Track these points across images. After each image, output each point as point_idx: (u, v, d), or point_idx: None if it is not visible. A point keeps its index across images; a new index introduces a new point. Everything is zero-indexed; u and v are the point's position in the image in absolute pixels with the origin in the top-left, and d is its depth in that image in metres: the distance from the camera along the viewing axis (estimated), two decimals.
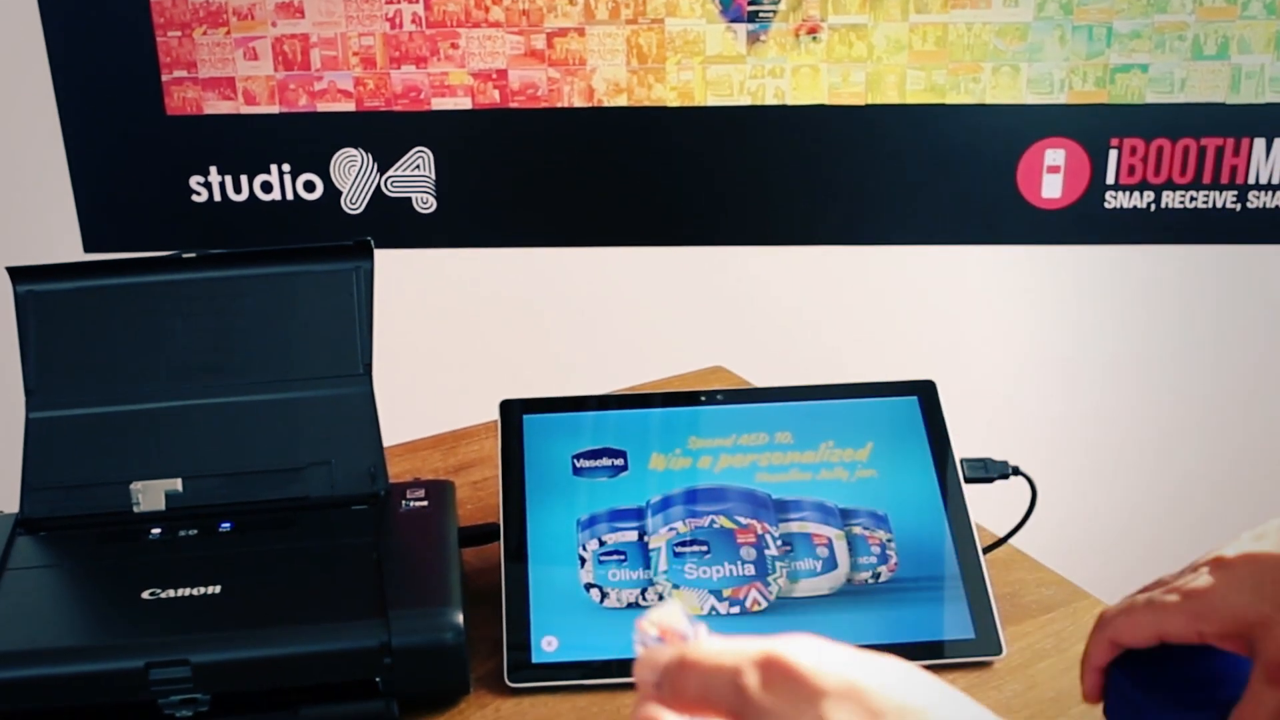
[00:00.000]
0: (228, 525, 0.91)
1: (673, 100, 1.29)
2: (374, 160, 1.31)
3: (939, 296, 1.75)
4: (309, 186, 1.33)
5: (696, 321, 1.58)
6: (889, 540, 0.95)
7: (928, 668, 0.49)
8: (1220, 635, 0.60)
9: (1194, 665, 0.64)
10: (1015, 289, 1.79)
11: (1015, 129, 1.29)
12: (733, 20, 1.27)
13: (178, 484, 0.93)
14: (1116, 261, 1.75)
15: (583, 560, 0.92)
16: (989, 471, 1.01)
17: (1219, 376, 1.79)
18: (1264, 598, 0.59)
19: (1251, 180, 1.29)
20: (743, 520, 0.95)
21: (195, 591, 0.85)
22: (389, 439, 1.03)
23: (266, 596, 0.86)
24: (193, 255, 0.98)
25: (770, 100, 1.29)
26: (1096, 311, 1.80)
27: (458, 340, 1.49)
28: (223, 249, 0.98)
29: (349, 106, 1.30)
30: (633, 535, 0.94)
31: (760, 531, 0.94)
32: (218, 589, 0.85)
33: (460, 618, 0.84)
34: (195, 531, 0.91)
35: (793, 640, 0.47)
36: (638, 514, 0.95)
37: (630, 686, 0.89)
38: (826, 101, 1.29)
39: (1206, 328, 1.78)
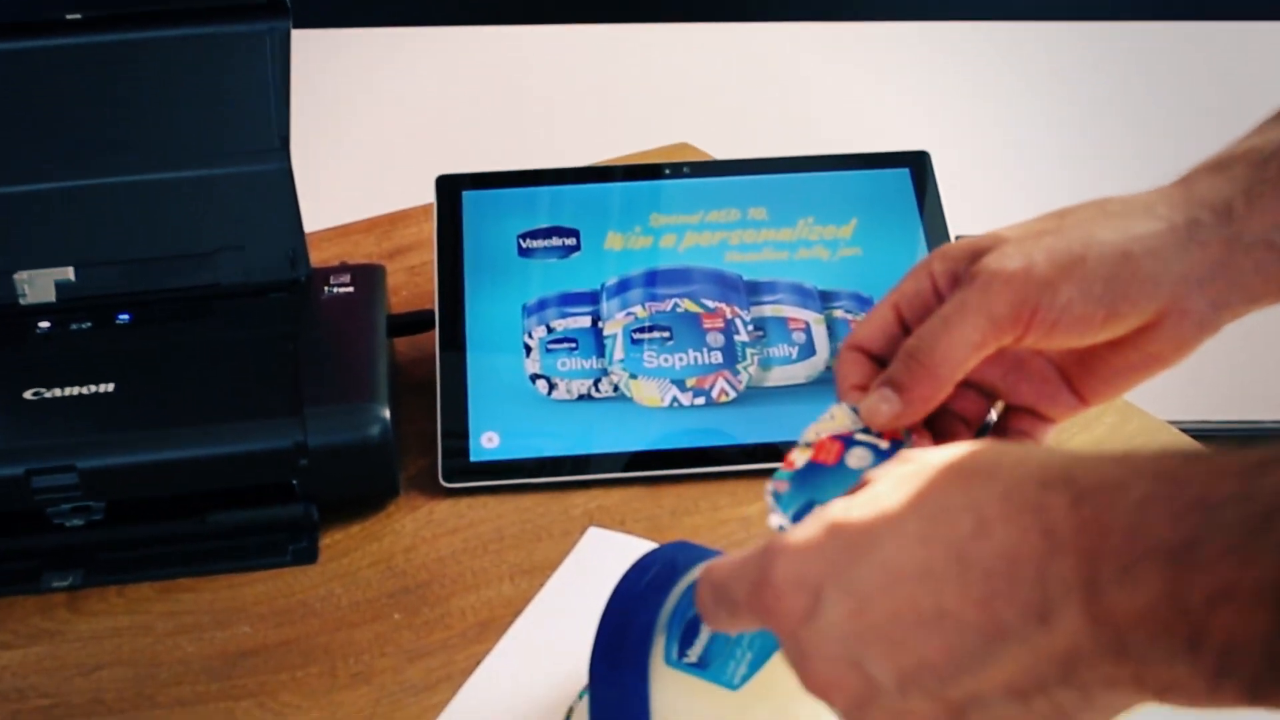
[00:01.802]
0: (126, 317, 0.81)
1: None
2: None
3: (927, 73, 1.63)
4: None
5: (659, 99, 1.45)
6: None
7: None
8: (945, 269, 0.54)
9: None
10: (1010, 66, 1.66)
11: None
12: None
13: (69, 272, 0.83)
14: (1115, 36, 1.62)
15: (528, 349, 0.82)
16: None
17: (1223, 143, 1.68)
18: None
19: None
20: (710, 304, 0.84)
21: (85, 390, 0.75)
22: (317, 223, 0.92)
23: (166, 395, 0.76)
24: (79, 16, 0.85)
25: None
26: (1099, 87, 1.68)
27: (397, 120, 1.36)
28: (114, 8, 0.85)
29: None
30: (585, 321, 0.84)
31: (729, 316, 0.84)
32: (111, 387, 0.75)
33: (386, 413, 0.74)
34: (89, 325, 0.80)
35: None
36: (591, 298, 0.84)
37: (582, 485, 0.81)
38: None
39: (1210, 102, 1.65)
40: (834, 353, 0.84)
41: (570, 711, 0.63)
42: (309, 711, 0.64)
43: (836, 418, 0.55)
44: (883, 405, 0.53)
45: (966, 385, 0.55)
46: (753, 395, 0.82)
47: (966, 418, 0.58)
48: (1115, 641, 0.36)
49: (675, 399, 0.81)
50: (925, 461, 0.43)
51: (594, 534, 0.74)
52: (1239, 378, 1.58)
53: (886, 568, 0.41)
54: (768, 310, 0.85)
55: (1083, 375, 0.56)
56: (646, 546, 0.72)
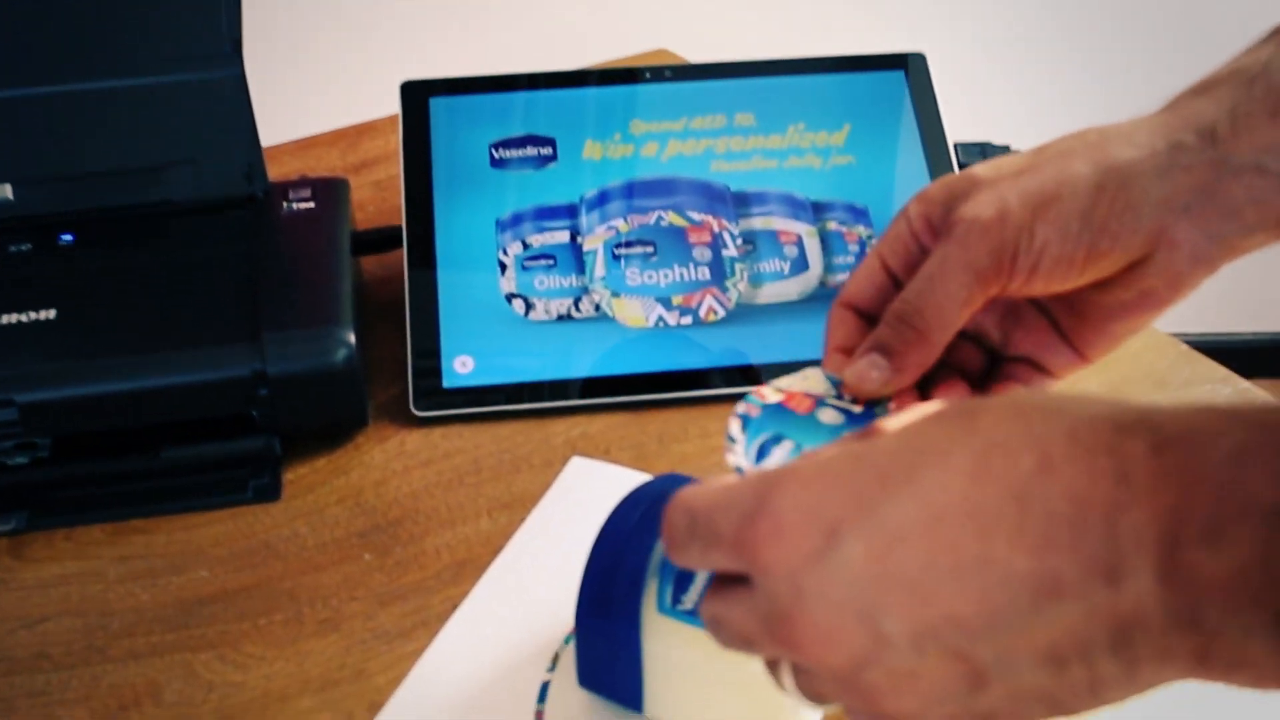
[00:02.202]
0: (69, 238, 0.75)
1: None
2: None
3: None
4: None
5: (635, 2, 1.37)
6: (869, 237, 0.80)
7: None
8: (921, 215, 0.51)
9: None
10: None
11: None
12: None
13: (7, 190, 0.76)
14: None
15: (503, 266, 0.77)
16: (986, 156, 0.86)
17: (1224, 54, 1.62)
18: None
19: None
20: (695, 216, 0.79)
21: (25, 318, 0.69)
22: (276, 135, 0.87)
23: (113, 321, 0.70)
24: None
25: None
26: None
27: (362, 24, 1.29)
28: None
29: None
30: (563, 236, 0.78)
31: (716, 229, 0.79)
32: (53, 314, 0.69)
33: (351, 336, 0.69)
34: (28, 246, 0.74)
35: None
36: (569, 211, 0.79)
37: (563, 411, 0.76)
38: None
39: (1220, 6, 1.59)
40: (828, 267, 0.79)
41: (556, 657, 0.59)
42: (273, 662, 0.59)
43: (810, 379, 0.51)
44: (873, 372, 0.49)
45: (961, 335, 0.52)
46: (743, 313, 0.77)
47: (963, 368, 0.53)
48: (1189, 609, 0.32)
49: (660, 318, 0.76)
50: (963, 403, 0.38)
51: (577, 464, 0.69)
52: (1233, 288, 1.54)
53: (927, 504, 0.35)
54: (757, 223, 0.80)
55: (1076, 324, 0.52)
56: (633, 476, 0.68)
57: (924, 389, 0.52)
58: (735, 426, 0.48)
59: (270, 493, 0.69)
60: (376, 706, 0.57)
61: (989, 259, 0.47)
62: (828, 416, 0.49)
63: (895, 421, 0.39)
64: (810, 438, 0.48)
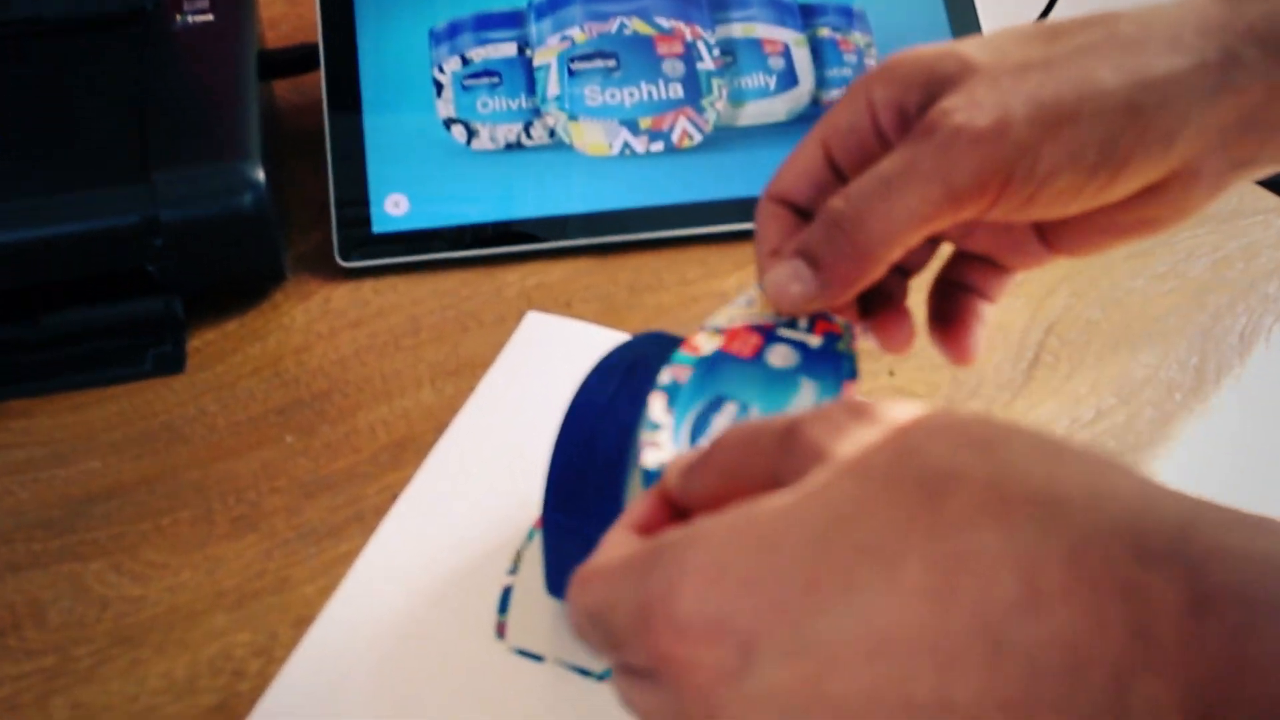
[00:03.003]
0: None
1: None
2: None
3: None
4: None
5: None
6: (868, 45, 0.69)
7: None
8: (890, 100, 0.39)
9: None
10: None
11: None
12: None
13: None
14: None
15: (440, 87, 0.65)
16: None
17: None
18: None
19: None
20: (665, 23, 0.67)
21: None
22: None
23: None
24: None
25: None
26: None
27: None
28: None
29: None
30: (510, 49, 0.66)
31: (689, 37, 0.67)
32: None
33: (260, 174, 0.58)
34: None
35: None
36: (516, 19, 0.67)
37: (516, 258, 0.66)
38: None
39: None
40: (820, 81, 0.68)
41: (518, 557, 0.49)
42: (179, 571, 0.50)
43: (756, 304, 0.40)
44: (794, 285, 0.39)
45: None
46: (723, 137, 0.66)
47: (904, 266, 0.43)
48: None
49: (627, 145, 0.65)
50: (912, 437, 0.28)
51: (534, 320, 0.59)
52: None
53: (870, 628, 0.26)
54: (737, 30, 0.68)
55: (1058, 230, 0.42)
56: (602, 335, 0.58)
57: (864, 305, 0.42)
58: (659, 406, 0.37)
59: (172, 363, 0.58)
60: (305, 622, 0.48)
61: (972, 179, 0.36)
62: (779, 357, 0.39)
63: (825, 470, 0.29)
64: (759, 394, 0.38)
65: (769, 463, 0.31)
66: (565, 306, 0.60)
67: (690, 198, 0.64)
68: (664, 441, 0.36)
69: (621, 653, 0.30)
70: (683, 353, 0.39)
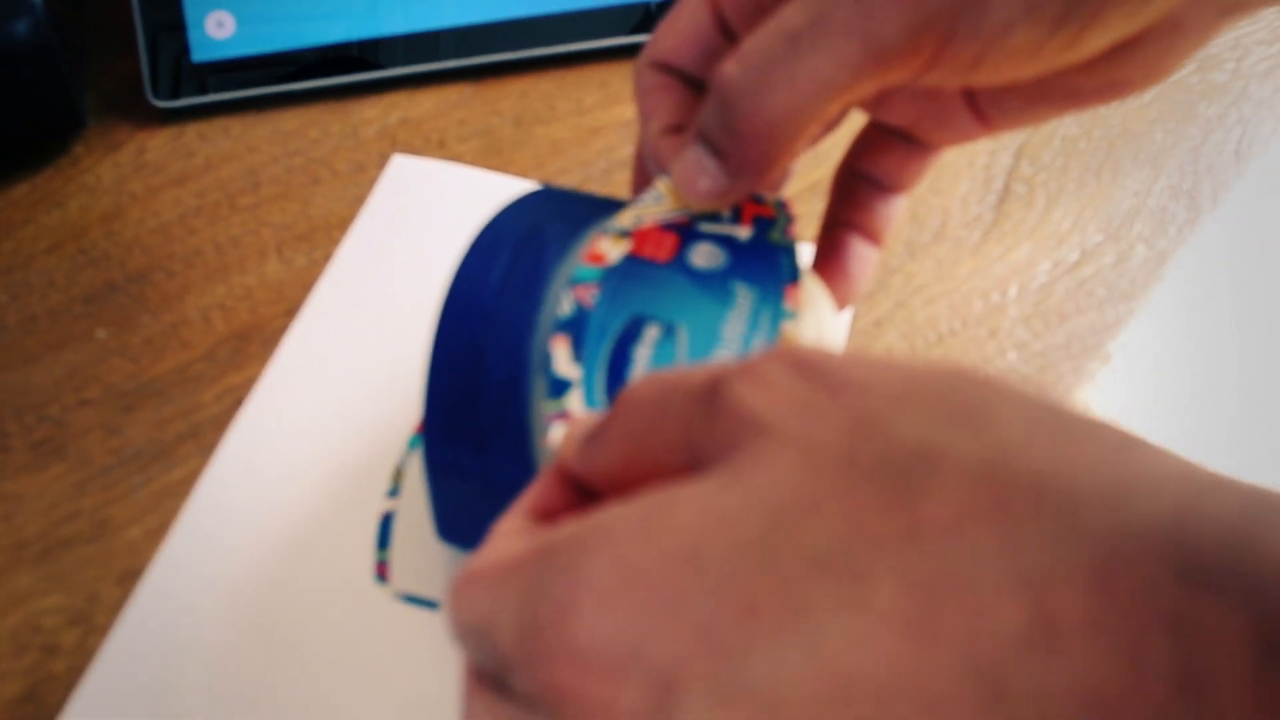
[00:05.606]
0: None
1: None
2: None
3: None
4: None
5: None
6: None
7: None
8: None
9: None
10: None
11: None
12: None
13: None
14: None
15: None
16: None
17: None
18: None
19: None
20: None
21: None
22: None
23: None
24: None
25: None
26: None
27: None
28: None
29: None
30: None
31: None
32: None
33: None
34: None
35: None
36: None
37: (374, 87, 0.54)
38: None
39: None
40: None
41: (398, 475, 0.40)
42: None
43: (667, 198, 0.31)
44: (700, 179, 0.30)
45: None
46: None
47: (882, 180, 0.35)
48: None
49: None
50: (873, 402, 0.21)
51: (400, 166, 0.48)
52: None
53: (830, 669, 0.19)
54: None
55: (997, 97, 0.33)
56: (485, 180, 0.47)
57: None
58: (562, 352, 0.28)
59: None
60: (133, 576, 0.38)
61: (902, 35, 0.27)
62: (703, 257, 0.30)
63: (758, 447, 0.21)
64: (685, 308, 0.29)
65: (684, 431, 0.22)
66: (438, 146, 0.49)
67: (586, 3, 0.53)
68: (575, 407, 0.26)
69: (509, 677, 0.22)
70: (584, 265, 0.29)
